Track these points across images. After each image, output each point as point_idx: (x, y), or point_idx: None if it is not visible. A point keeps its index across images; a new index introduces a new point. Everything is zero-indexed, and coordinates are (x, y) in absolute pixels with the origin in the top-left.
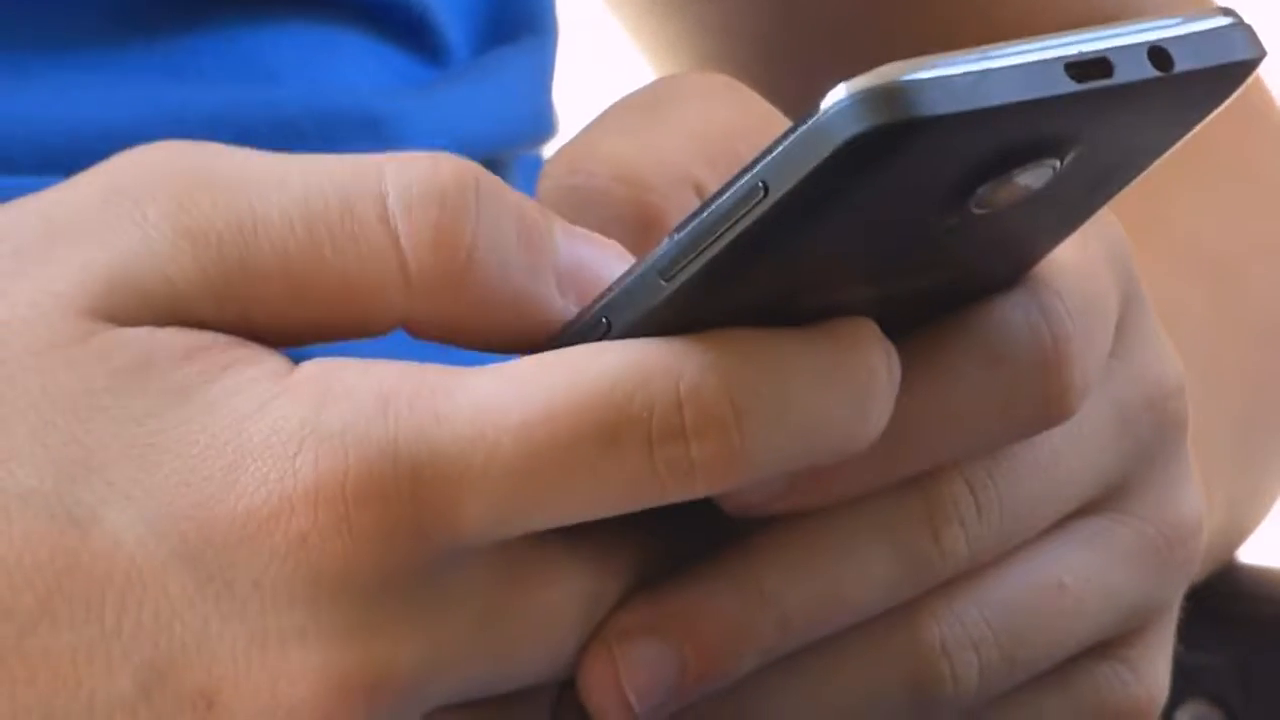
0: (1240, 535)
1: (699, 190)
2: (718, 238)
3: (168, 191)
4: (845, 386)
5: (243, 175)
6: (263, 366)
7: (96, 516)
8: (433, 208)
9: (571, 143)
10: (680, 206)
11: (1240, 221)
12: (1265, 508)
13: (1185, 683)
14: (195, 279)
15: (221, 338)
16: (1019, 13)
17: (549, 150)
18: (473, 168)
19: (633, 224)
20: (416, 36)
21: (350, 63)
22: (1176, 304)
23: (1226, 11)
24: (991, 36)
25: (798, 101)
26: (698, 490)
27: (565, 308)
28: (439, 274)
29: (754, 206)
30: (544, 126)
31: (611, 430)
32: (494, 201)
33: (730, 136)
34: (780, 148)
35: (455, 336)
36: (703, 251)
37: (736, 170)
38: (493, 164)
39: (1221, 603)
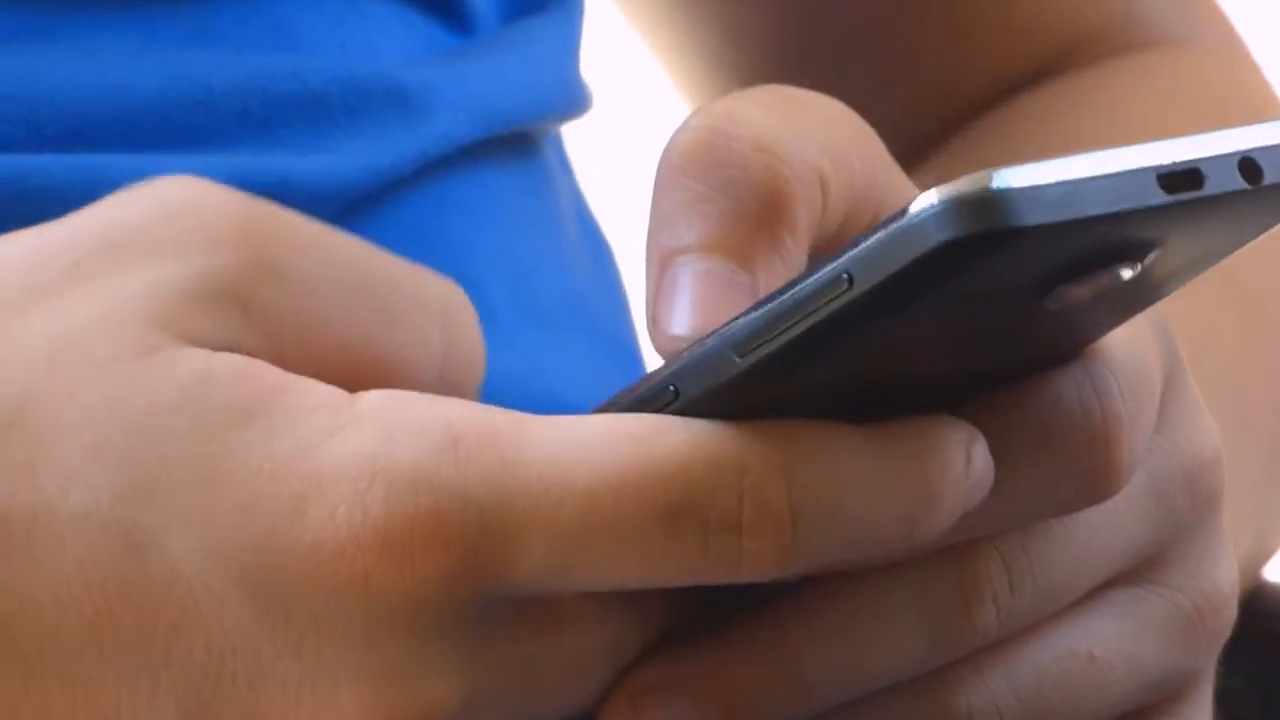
0: (1265, 561)
1: (824, 183)
2: (797, 322)
3: (236, 215)
4: (899, 497)
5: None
6: (321, 392)
7: (156, 543)
8: None
9: (714, 104)
10: (807, 196)
11: (1270, 248)
12: None
13: None
14: (268, 309)
15: (272, 366)
16: (1030, 17)
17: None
18: None
19: (763, 193)
20: (444, 4)
21: (377, 30)
22: (1206, 331)
23: None
24: (1005, 41)
25: None
26: (741, 577)
27: None
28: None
29: (837, 296)
30: (574, 99)
31: (674, 513)
32: None
33: (848, 147)
34: (867, 242)
35: None
36: (781, 334)
37: (819, 261)
38: (521, 137)
39: (1242, 622)
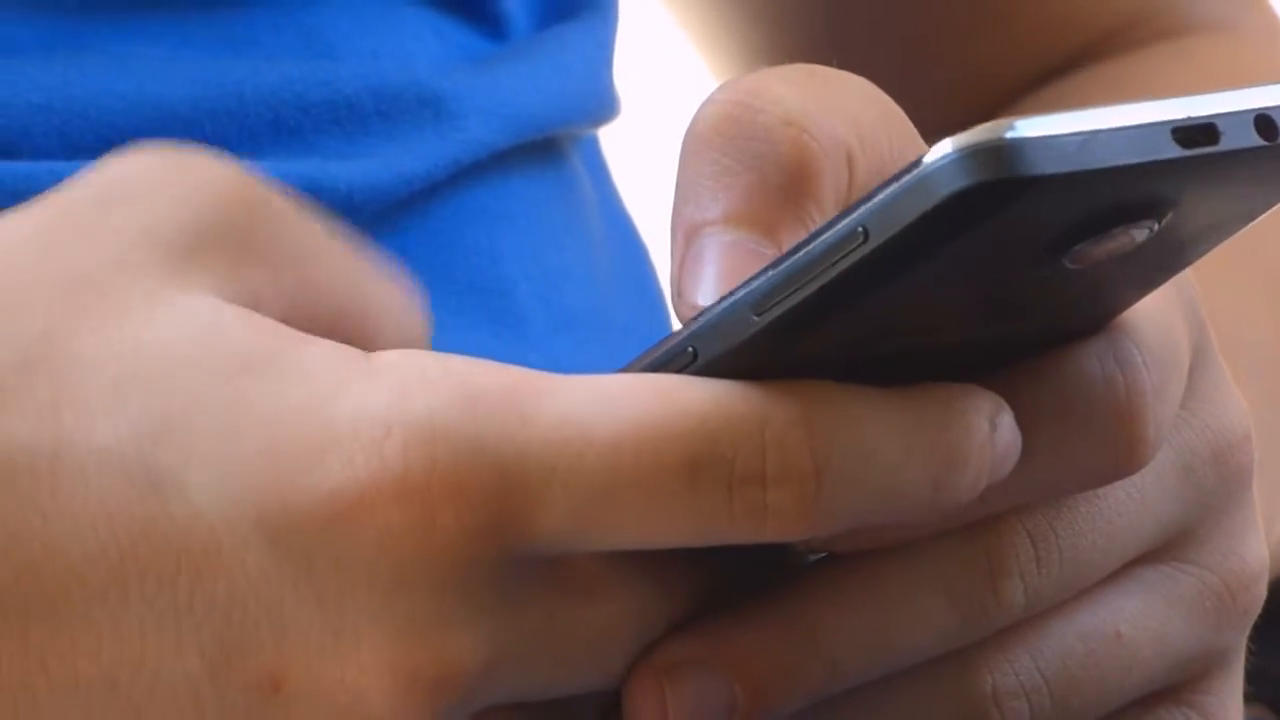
0: None
1: (850, 160)
2: (813, 278)
3: (231, 178)
4: (923, 456)
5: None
6: (335, 345)
7: (178, 482)
8: None
9: (741, 79)
10: (834, 171)
11: None
12: None
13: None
14: (277, 253)
15: (281, 325)
16: (1068, 4)
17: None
18: None
19: (789, 166)
20: (476, 10)
21: (410, 37)
22: (1239, 317)
23: None
24: (1042, 27)
25: None
26: (766, 534)
27: None
28: None
29: (852, 250)
30: (605, 106)
31: (695, 464)
32: None
33: (877, 126)
34: (882, 195)
35: None
36: (796, 290)
37: (839, 210)
38: (550, 143)
39: (1277, 606)
